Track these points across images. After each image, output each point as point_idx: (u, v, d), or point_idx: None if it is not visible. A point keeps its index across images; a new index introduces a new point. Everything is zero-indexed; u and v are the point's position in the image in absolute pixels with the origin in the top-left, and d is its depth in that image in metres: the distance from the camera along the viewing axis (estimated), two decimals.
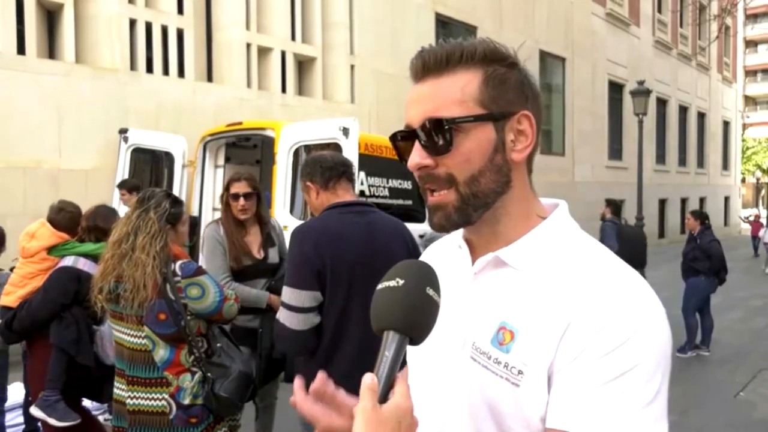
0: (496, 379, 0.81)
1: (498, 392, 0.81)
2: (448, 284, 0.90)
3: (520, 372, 0.79)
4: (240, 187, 3.14)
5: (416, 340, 0.77)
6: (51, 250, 3.35)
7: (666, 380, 0.77)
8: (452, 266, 0.94)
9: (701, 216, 7.18)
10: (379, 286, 0.78)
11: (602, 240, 6.81)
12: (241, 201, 3.13)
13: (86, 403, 3.41)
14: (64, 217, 3.41)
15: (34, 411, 2.97)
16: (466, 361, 0.85)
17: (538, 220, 0.88)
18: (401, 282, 0.77)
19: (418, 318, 0.76)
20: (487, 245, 0.89)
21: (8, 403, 4.06)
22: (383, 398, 0.71)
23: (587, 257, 0.83)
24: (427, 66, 0.85)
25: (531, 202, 0.90)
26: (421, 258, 1.05)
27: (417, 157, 0.85)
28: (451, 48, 0.84)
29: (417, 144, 0.85)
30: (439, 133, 0.83)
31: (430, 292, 0.77)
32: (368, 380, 0.71)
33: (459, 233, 0.95)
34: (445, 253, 0.99)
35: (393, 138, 0.92)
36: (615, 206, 8.11)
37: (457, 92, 0.83)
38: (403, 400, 0.71)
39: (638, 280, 0.81)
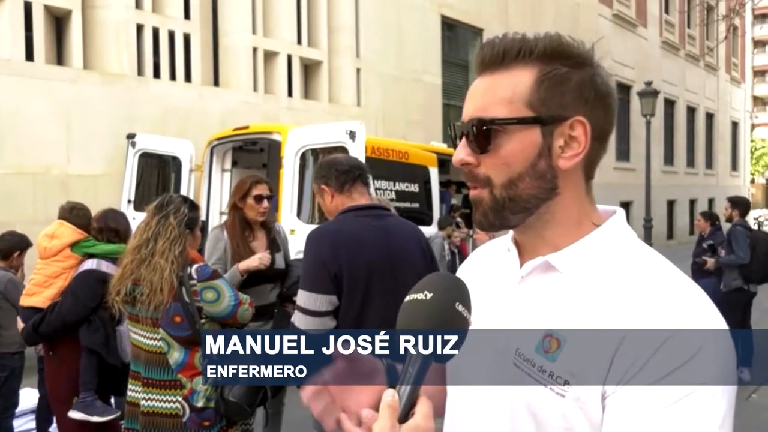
0: (539, 387, 0.77)
1: (541, 402, 0.77)
2: (493, 287, 0.89)
3: (566, 382, 0.75)
4: (263, 190, 3.18)
5: (442, 357, 0.74)
6: (73, 246, 3.38)
7: (732, 406, 0.71)
8: (499, 269, 0.90)
9: (711, 217, 7.00)
10: (407, 298, 0.74)
11: (730, 248, 6.22)
12: (265, 203, 3.18)
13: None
14: (77, 215, 3.45)
15: (74, 414, 3.02)
16: (509, 367, 0.80)
17: (592, 227, 0.84)
18: (429, 295, 0.73)
19: None
20: (535, 249, 0.85)
21: (18, 409, 4.07)
22: (404, 417, 0.68)
23: (644, 267, 0.78)
24: (484, 61, 0.82)
25: (584, 210, 0.85)
26: (468, 259, 1.03)
27: (461, 153, 0.83)
28: (510, 43, 0.81)
29: (463, 140, 0.83)
30: (481, 132, 0.80)
31: (460, 307, 0.73)
32: (389, 397, 0.67)
33: (509, 236, 0.91)
34: (493, 256, 0.95)
35: (450, 128, 0.89)
36: (744, 206, 6.57)
37: (507, 91, 0.80)
38: (424, 420, 0.68)
39: (700, 294, 0.76)
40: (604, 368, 0.72)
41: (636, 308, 0.73)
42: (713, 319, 0.73)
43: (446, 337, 0.73)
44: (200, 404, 2.40)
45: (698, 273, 6.79)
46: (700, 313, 0.73)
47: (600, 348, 0.72)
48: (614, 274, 0.77)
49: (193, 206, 2.58)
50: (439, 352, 0.72)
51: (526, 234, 0.86)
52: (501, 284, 0.87)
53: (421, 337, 0.72)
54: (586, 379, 0.73)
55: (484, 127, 0.79)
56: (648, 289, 0.75)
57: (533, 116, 0.79)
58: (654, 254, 0.81)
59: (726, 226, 6.65)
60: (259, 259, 3.01)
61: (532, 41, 0.81)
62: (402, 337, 0.73)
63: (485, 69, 0.82)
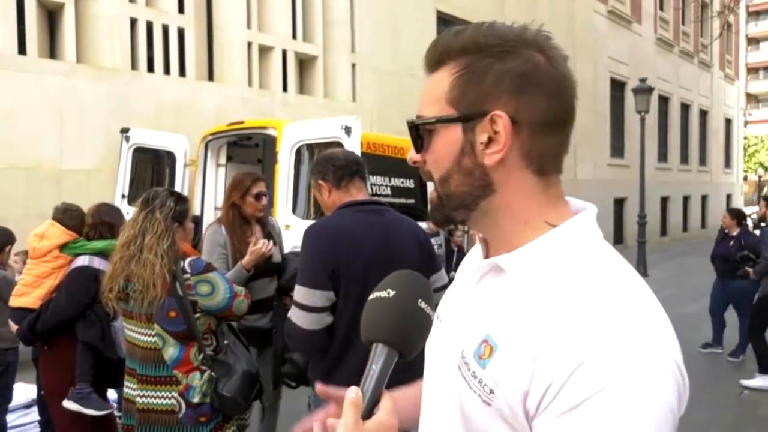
0: (470, 393, 0.75)
1: (471, 407, 0.76)
2: (461, 286, 0.89)
3: (491, 391, 0.72)
4: (262, 187, 3.27)
5: (406, 354, 0.74)
6: (63, 247, 3.37)
7: None
8: (471, 266, 0.89)
9: (738, 215, 6.70)
10: (371, 296, 0.76)
11: (760, 247, 6.02)
12: (263, 200, 3.25)
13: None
14: (71, 216, 3.44)
15: (68, 404, 3.02)
16: (453, 369, 0.79)
17: (546, 227, 0.78)
18: (392, 293, 0.75)
19: (407, 331, 0.74)
20: (495, 247, 0.83)
21: (11, 404, 4.06)
22: (367, 414, 0.69)
23: (585, 277, 0.72)
24: (425, 65, 0.84)
25: (535, 207, 0.79)
26: (467, 255, 1.03)
27: (411, 152, 0.85)
28: (441, 43, 0.81)
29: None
30: (415, 132, 0.82)
31: (422, 304, 0.74)
32: (352, 394, 0.69)
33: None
34: (476, 252, 0.93)
35: None
36: None
37: (434, 90, 0.80)
38: (387, 416, 0.69)
39: (645, 313, 0.69)
40: (524, 385, 0.69)
41: (559, 323, 0.68)
42: (647, 343, 0.66)
43: (408, 334, 0.74)
44: (196, 400, 2.39)
45: (729, 274, 6.53)
46: (629, 335, 0.66)
47: (521, 362, 0.70)
48: (553, 283, 0.73)
49: (181, 199, 2.55)
50: (401, 349, 0.73)
51: (482, 231, 0.86)
52: (465, 284, 0.87)
53: (383, 335, 0.72)
54: (507, 391, 0.71)
55: (415, 127, 0.81)
56: (577, 302, 0.69)
57: (450, 114, 0.78)
58: (608, 261, 0.75)
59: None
60: (257, 250, 3.01)
61: (450, 38, 0.79)
62: (365, 335, 0.75)
63: (427, 71, 0.84)
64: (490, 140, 0.76)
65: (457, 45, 0.79)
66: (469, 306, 0.82)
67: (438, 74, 0.80)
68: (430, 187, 0.86)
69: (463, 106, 0.77)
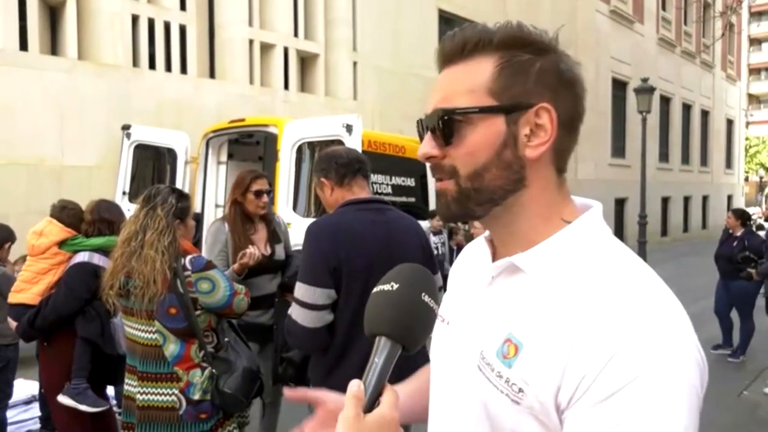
0: (497, 393, 0.76)
1: (498, 407, 0.76)
2: (469, 288, 0.88)
3: (520, 390, 0.73)
4: (262, 185, 3.27)
5: (410, 348, 0.74)
6: (61, 244, 3.37)
7: (690, 420, 0.67)
8: (476, 269, 0.89)
9: (743, 215, 6.71)
10: (375, 290, 0.76)
11: (764, 248, 6.02)
12: (264, 198, 3.25)
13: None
14: (68, 214, 3.44)
15: (63, 399, 3.02)
16: (473, 370, 0.79)
17: (562, 224, 0.80)
18: (396, 286, 0.74)
19: (410, 324, 0.74)
20: (505, 247, 0.83)
21: (12, 400, 4.07)
22: (369, 407, 0.69)
23: (606, 271, 0.74)
24: (445, 54, 0.81)
25: (554, 205, 0.81)
26: (458, 258, 1.02)
27: (426, 146, 0.81)
28: (470, 34, 0.79)
29: (429, 133, 0.81)
30: (444, 123, 0.78)
31: (426, 298, 0.74)
32: (354, 387, 0.69)
33: (484, 235, 0.90)
34: (476, 255, 0.93)
35: (417, 126, 0.88)
36: None
37: (469, 81, 0.78)
38: (388, 410, 0.69)
39: (666, 303, 0.72)
40: (556, 380, 0.70)
41: (589, 317, 0.70)
42: (671, 331, 0.69)
43: (411, 327, 0.74)
44: (197, 397, 2.39)
45: (731, 274, 6.53)
46: (655, 324, 0.69)
47: (552, 358, 0.71)
48: (576, 278, 0.74)
49: (182, 196, 2.55)
50: (404, 342, 0.73)
51: (496, 229, 0.85)
52: (475, 285, 0.87)
53: (386, 328, 0.72)
54: (538, 388, 0.71)
55: (447, 118, 0.78)
56: (604, 296, 0.71)
57: (494, 105, 0.77)
58: (623, 255, 0.78)
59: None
60: (244, 263, 3.00)
61: (492, 30, 0.79)
62: (368, 328, 0.74)
63: (447, 62, 0.81)
64: (531, 133, 0.78)
65: (493, 38, 0.78)
66: (483, 307, 0.82)
67: (470, 64, 0.79)
68: (431, 183, 0.84)
69: (506, 98, 0.77)
